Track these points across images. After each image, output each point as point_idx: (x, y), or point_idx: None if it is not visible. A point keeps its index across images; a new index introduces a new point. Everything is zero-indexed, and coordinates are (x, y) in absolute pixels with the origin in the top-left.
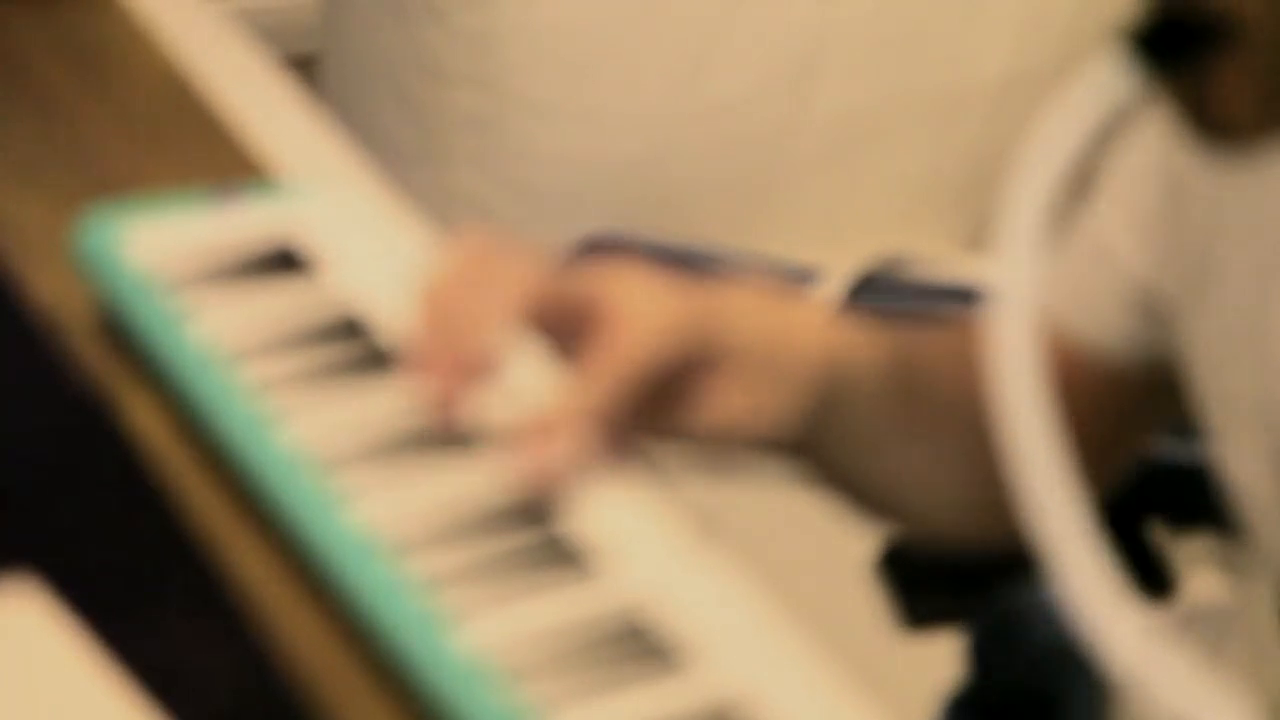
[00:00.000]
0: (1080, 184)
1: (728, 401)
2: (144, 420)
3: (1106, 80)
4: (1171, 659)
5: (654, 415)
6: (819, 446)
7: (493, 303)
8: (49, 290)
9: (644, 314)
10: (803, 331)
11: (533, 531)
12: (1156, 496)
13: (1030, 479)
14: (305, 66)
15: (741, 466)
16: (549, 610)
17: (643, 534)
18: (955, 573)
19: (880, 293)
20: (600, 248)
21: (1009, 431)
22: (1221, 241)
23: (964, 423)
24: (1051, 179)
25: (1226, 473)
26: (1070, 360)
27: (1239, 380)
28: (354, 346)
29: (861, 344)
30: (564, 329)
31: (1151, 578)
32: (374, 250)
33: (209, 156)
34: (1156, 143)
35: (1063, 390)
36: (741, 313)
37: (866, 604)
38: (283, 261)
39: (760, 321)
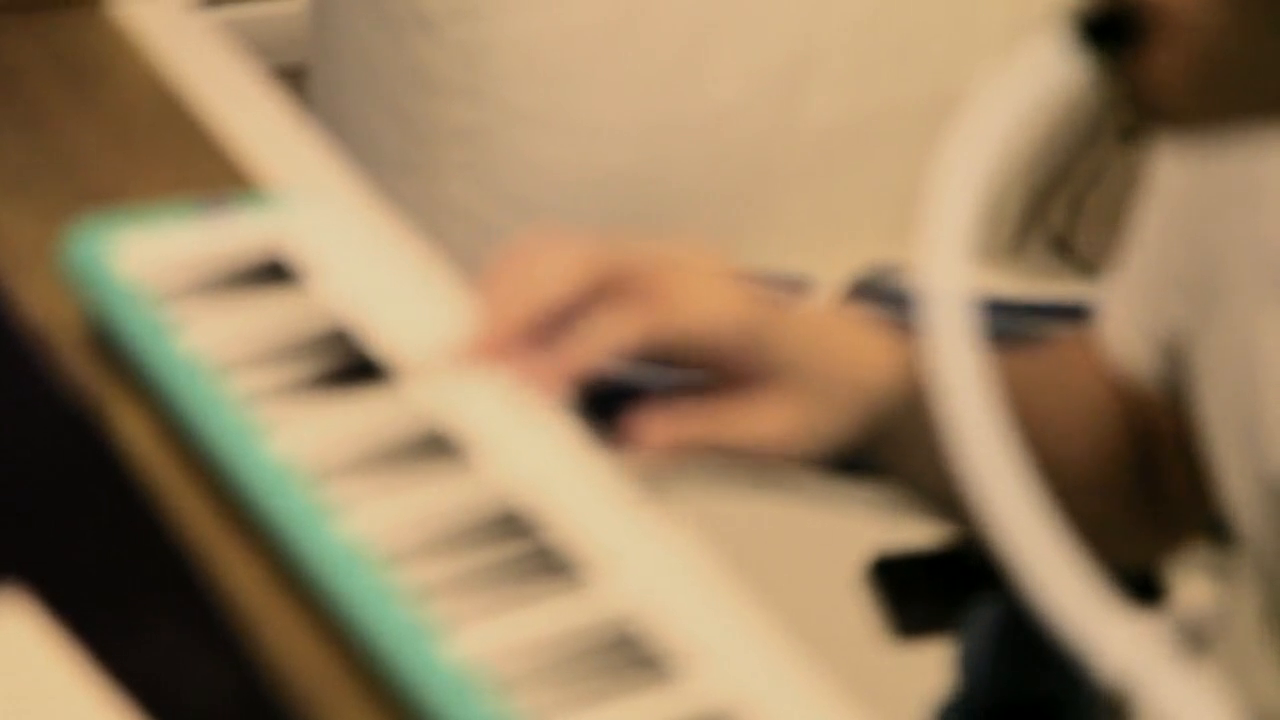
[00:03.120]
0: (1046, 187)
1: (780, 414)
2: (133, 431)
3: (1045, 63)
4: (1163, 665)
5: (702, 413)
6: (883, 455)
7: (562, 261)
8: (38, 301)
9: (703, 298)
10: (867, 349)
11: (523, 542)
12: None
13: (990, 492)
14: (294, 78)
15: (777, 477)
16: (539, 620)
17: (633, 544)
18: (945, 582)
19: (876, 300)
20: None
21: (960, 444)
22: (1224, 267)
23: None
24: (985, 158)
25: (1222, 489)
26: (1141, 393)
27: (1231, 405)
28: (343, 357)
29: (912, 361)
30: (624, 300)
31: (1143, 585)
32: (363, 261)
33: (198, 168)
34: (1182, 164)
35: (1131, 418)
36: (807, 330)
37: (858, 613)
38: (272, 273)
39: (827, 342)
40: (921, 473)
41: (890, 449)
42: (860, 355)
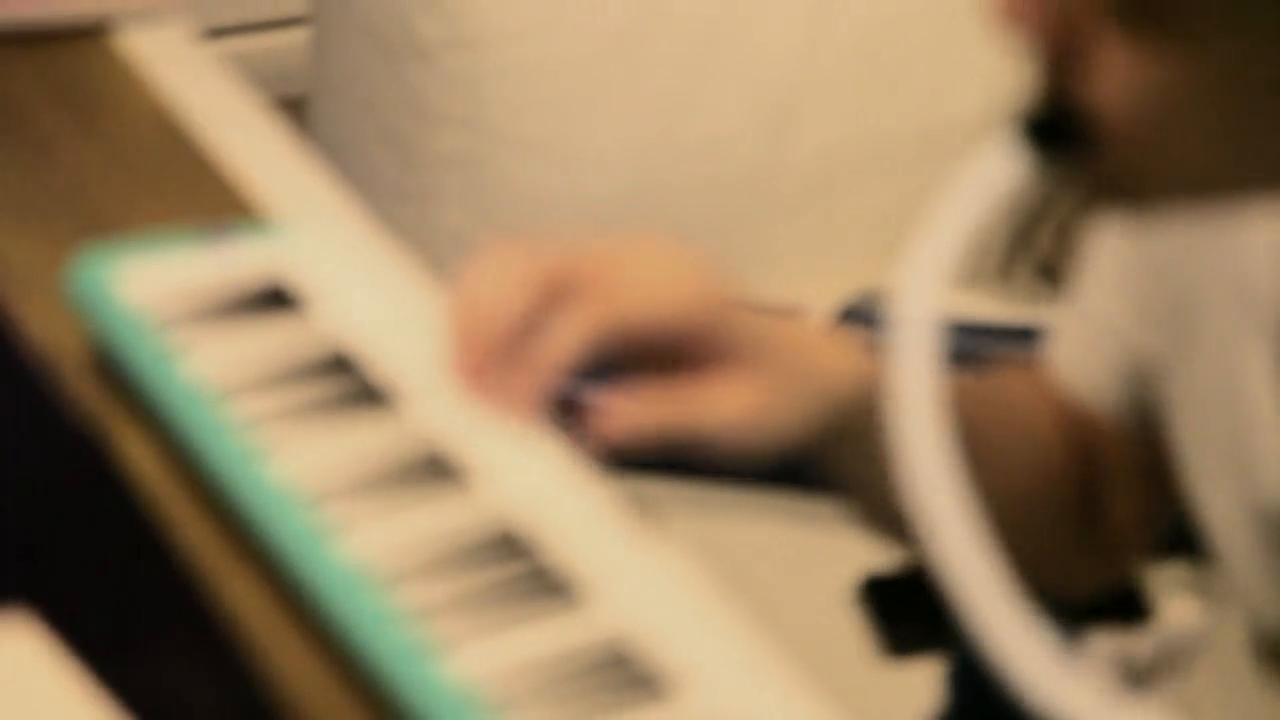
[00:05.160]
0: (1032, 215)
1: (741, 397)
2: (136, 455)
3: (998, 161)
4: (1103, 703)
5: (662, 397)
6: (833, 462)
7: (511, 276)
8: (43, 327)
9: (656, 279)
10: (833, 350)
11: (520, 563)
12: None
13: (935, 524)
14: (295, 108)
15: (732, 461)
16: (537, 640)
17: (628, 565)
18: (935, 601)
19: (865, 325)
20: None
21: (909, 471)
22: (1200, 300)
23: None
24: (949, 252)
25: (1203, 515)
26: (1085, 417)
27: (1214, 433)
28: (343, 382)
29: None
30: (569, 299)
31: (1129, 604)
32: (362, 287)
33: (201, 196)
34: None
35: (1083, 442)
36: (769, 320)
37: (849, 632)
38: (273, 299)
39: (791, 330)
40: (866, 486)
41: (840, 456)
42: (823, 353)
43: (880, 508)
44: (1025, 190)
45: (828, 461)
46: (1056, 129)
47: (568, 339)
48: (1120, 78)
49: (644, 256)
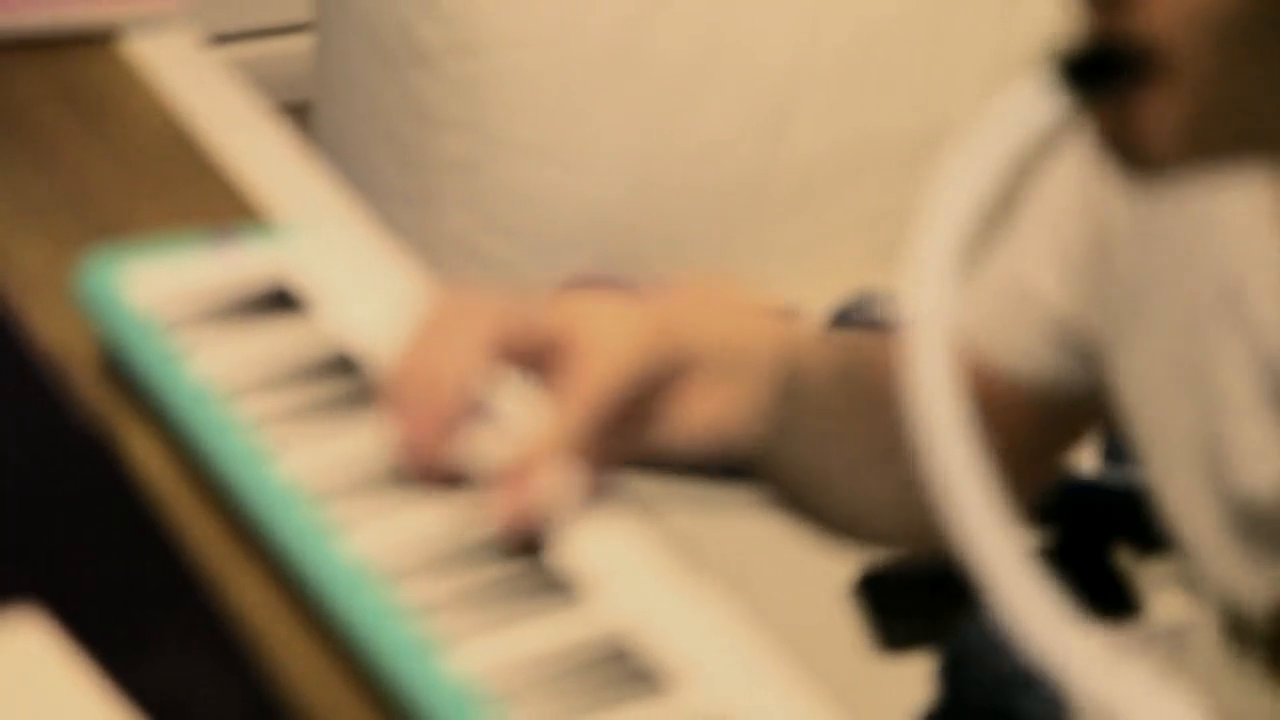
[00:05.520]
0: (998, 211)
1: (695, 409)
2: (144, 454)
3: (1030, 102)
4: (1129, 675)
5: (628, 435)
6: (780, 455)
7: (463, 347)
8: (52, 329)
9: (611, 338)
10: (758, 331)
11: (520, 560)
12: (1123, 521)
13: (959, 508)
14: (299, 113)
15: (712, 481)
16: (537, 635)
17: (627, 562)
18: (928, 597)
19: (858, 327)
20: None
21: (932, 462)
22: (1150, 278)
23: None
24: (970, 199)
25: (1162, 500)
26: (988, 381)
27: (1174, 415)
28: (346, 382)
29: (814, 343)
30: (536, 362)
31: (1118, 599)
32: (365, 289)
33: (206, 200)
34: (1079, 182)
35: (982, 409)
36: (701, 319)
37: (844, 628)
38: (277, 301)
39: (719, 327)
40: (805, 475)
41: (783, 438)
42: (752, 335)
43: (821, 508)
44: (1056, 134)
45: (781, 462)
46: (1101, 67)
47: (568, 428)
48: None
49: (597, 316)
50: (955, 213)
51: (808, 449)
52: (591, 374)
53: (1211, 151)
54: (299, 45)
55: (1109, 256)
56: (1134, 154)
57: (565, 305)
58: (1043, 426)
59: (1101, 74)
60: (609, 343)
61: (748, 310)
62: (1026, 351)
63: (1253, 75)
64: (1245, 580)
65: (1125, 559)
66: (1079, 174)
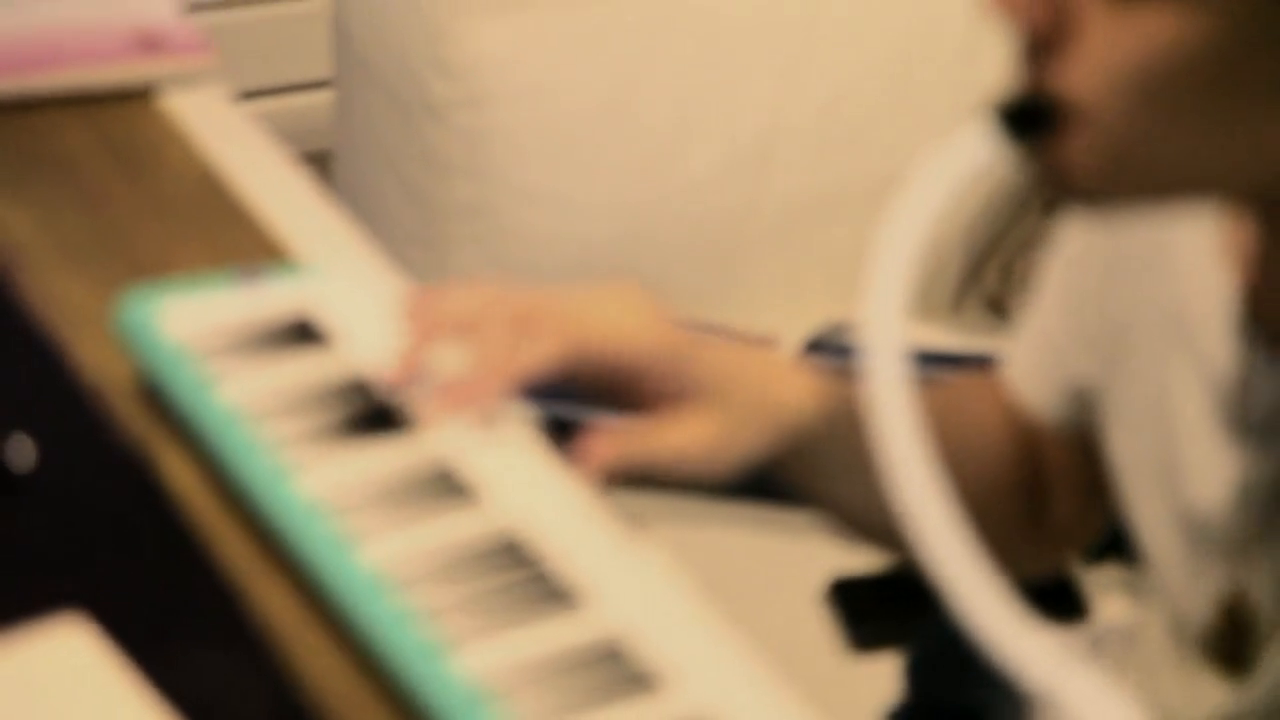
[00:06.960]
0: (981, 254)
1: (700, 430)
2: (179, 473)
3: (972, 145)
4: (1079, 673)
5: (633, 434)
6: (796, 477)
7: (478, 298)
8: (94, 360)
9: (611, 320)
10: (784, 381)
11: (523, 570)
12: None
13: (919, 520)
14: (320, 162)
15: (696, 487)
16: (538, 639)
17: (620, 571)
18: (898, 599)
19: (830, 354)
20: None
21: (893, 474)
22: (1132, 322)
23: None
24: (919, 230)
25: (1134, 520)
26: (1036, 428)
27: (1145, 447)
28: (363, 407)
29: (827, 393)
30: (533, 328)
31: (1066, 602)
32: (380, 323)
33: (235, 242)
34: (1092, 232)
35: (1032, 452)
36: (727, 356)
37: (818, 630)
38: (300, 333)
39: (746, 366)
40: (833, 494)
41: (804, 470)
42: (777, 381)
43: (847, 513)
44: (997, 174)
45: (791, 477)
46: (1030, 116)
47: (530, 356)
48: (1100, 57)
49: (608, 298)
50: (905, 243)
51: (819, 481)
52: (584, 327)
53: (1127, 187)
54: (321, 100)
55: (1111, 300)
56: (1064, 186)
57: (586, 294)
58: (1079, 465)
59: (1031, 122)
60: (614, 323)
61: (773, 358)
62: (1049, 402)
63: (1152, 124)
64: (1192, 586)
65: (1074, 565)
66: (1088, 239)
